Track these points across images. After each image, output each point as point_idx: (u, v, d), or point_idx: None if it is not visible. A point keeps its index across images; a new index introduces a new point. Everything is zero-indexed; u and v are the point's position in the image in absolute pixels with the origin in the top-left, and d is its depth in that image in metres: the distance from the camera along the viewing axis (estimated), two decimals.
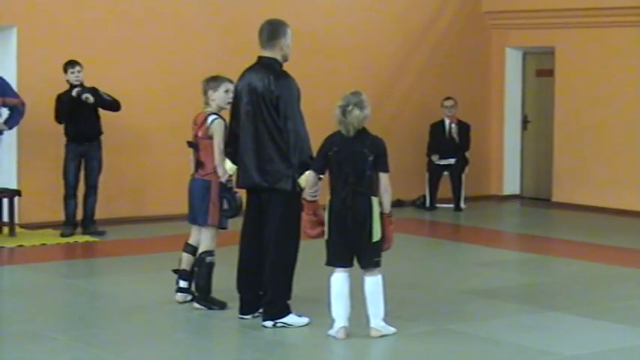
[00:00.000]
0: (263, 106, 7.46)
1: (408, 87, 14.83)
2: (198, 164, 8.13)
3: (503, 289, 9.21)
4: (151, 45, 12.77)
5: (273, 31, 7.73)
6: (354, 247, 7.18)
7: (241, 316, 7.70)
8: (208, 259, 8.01)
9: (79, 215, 11.68)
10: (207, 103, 8.15)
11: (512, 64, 15.62)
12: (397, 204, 14.49)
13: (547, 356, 6.99)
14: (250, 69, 7.69)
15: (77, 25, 12.26)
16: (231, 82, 8.04)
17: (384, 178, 7.19)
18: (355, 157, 7.14)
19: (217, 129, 7.96)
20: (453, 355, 7.06)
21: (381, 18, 14.57)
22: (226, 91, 8.03)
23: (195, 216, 8.15)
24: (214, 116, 8.04)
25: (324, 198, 7.31)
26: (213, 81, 8.16)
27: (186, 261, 8.23)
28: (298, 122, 7.42)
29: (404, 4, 14.77)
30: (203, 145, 8.06)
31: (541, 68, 15.47)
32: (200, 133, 8.07)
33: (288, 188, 7.42)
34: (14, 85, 11.76)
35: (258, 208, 7.59)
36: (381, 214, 7.17)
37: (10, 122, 11.28)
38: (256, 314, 7.66)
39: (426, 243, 12.10)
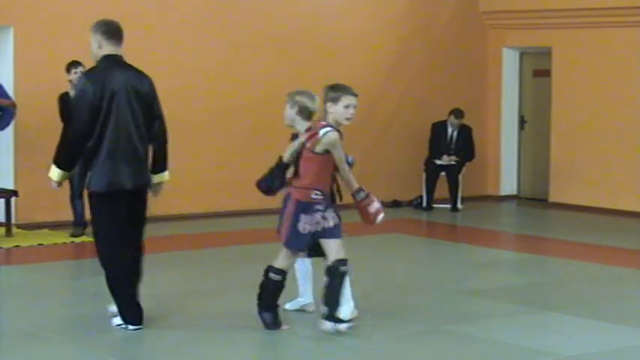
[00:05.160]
0: (138, 108, 7.27)
1: (406, 87, 14.84)
2: (295, 174, 7.35)
3: (500, 290, 9.21)
4: (149, 45, 12.76)
5: (121, 29, 7.61)
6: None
7: (140, 326, 7.42)
8: (342, 268, 7.31)
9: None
10: (324, 115, 7.33)
11: (510, 64, 15.63)
12: (394, 204, 14.54)
13: (545, 356, 6.99)
14: (119, 68, 7.33)
15: (74, 26, 12.24)
16: (353, 95, 7.32)
17: None
18: None
19: (334, 142, 7.19)
20: (450, 356, 7.05)
21: (379, 18, 14.57)
22: (346, 107, 7.26)
23: None
24: (328, 128, 7.21)
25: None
26: (333, 91, 7.33)
27: None
28: (164, 119, 7.55)
29: (401, 5, 14.78)
30: (304, 157, 7.26)
31: (538, 68, 15.48)
32: (309, 143, 7.26)
33: (152, 188, 7.53)
34: (11, 86, 11.75)
35: (126, 213, 7.33)
36: None
37: (0, 124, 11.23)
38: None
39: (422, 243, 12.10)
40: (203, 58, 13.19)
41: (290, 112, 7.54)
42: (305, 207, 7.20)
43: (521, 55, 15.68)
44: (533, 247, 11.74)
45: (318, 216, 7.21)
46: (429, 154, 14.61)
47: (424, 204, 14.44)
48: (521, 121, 15.71)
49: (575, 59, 14.60)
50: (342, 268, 7.22)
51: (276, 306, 7.47)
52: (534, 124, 15.57)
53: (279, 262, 7.42)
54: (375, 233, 11.52)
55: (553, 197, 14.93)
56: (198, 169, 13.17)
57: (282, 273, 7.40)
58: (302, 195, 7.22)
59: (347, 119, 7.26)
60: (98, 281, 9.62)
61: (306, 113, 7.48)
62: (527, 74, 15.70)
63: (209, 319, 7.87)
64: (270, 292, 7.42)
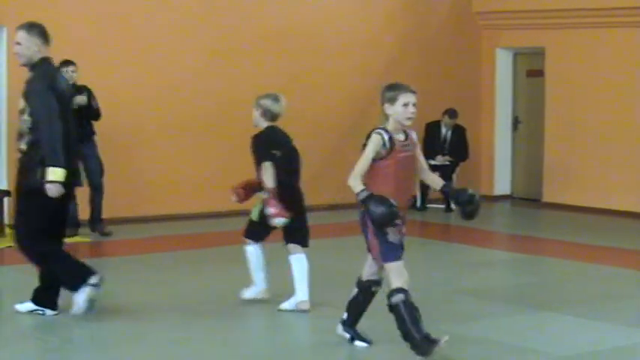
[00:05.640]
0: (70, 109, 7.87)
1: None
2: None
3: (494, 290, 9.22)
4: (144, 45, 12.75)
5: None
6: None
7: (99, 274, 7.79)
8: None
9: (85, 215, 11.63)
10: (383, 119, 6.80)
11: (503, 64, 15.64)
12: None
13: (540, 356, 6.99)
14: (57, 71, 7.93)
15: (67, 25, 12.21)
16: (412, 92, 6.77)
17: None
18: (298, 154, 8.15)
19: (372, 140, 6.75)
20: (447, 356, 7.04)
21: (373, 19, 14.57)
22: (405, 105, 6.71)
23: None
24: (378, 130, 6.76)
25: None
26: (389, 91, 6.79)
27: None
28: None
29: (395, 5, 14.78)
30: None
31: (531, 69, 15.50)
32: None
33: None
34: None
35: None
36: None
37: None
38: None
39: (417, 244, 12.05)
40: (202, 58, 13.16)
41: (255, 114, 8.02)
42: None
43: (515, 55, 15.70)
44: (527, 247, 11.75)
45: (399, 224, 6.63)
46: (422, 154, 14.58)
47: (418, 204, 14.44)
48: (515, 122, 15.73)
49: (568, 59, 14.62)
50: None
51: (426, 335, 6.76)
52: (528, 124, 15.58)
53: (394, 282, 6.72)
54: None
55: (546, 197, 14.94)
56: (198, 169, 13.15)
57: (404, 291, 6.72)
58: None
59: (408, 119, 6.72)
60: None
61: (269, 115, 8.00)
62: (520, 74, 15.71)
63: (208, 319, 7.87)
64: (410, 317, 6.77)
